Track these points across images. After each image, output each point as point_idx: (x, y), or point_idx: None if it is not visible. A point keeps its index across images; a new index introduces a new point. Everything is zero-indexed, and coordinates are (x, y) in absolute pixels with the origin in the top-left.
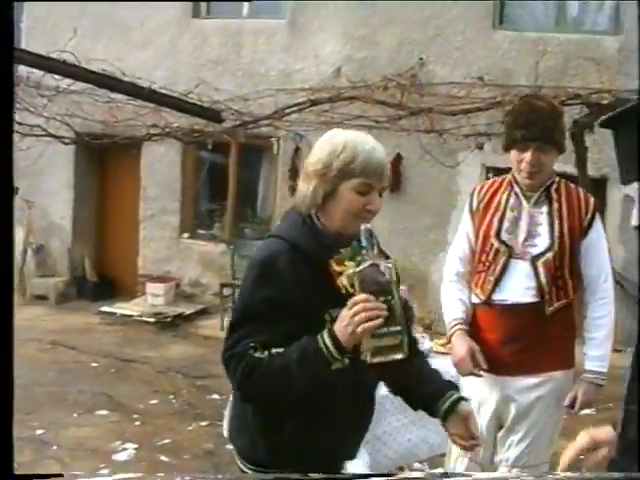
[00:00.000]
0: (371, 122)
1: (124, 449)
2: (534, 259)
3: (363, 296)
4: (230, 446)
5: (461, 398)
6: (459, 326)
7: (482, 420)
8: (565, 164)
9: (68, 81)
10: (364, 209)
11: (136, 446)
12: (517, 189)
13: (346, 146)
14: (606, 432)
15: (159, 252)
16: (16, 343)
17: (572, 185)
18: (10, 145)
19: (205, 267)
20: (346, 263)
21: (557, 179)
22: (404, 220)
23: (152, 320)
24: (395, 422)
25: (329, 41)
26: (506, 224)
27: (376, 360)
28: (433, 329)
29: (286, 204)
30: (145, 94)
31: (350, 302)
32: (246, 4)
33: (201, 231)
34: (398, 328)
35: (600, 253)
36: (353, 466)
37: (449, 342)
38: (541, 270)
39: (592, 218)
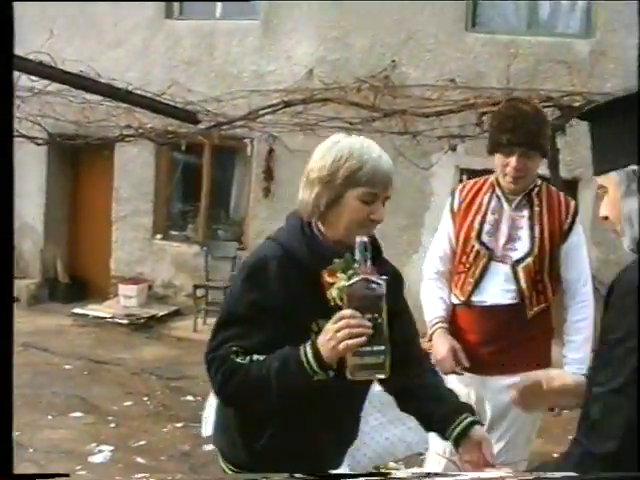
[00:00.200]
0: (345, 124)
1: (100, 451)
2: (514, 264)
3: (349, 311)
4: (207, 447)
5: (475, 422)
6: (440, 324)
7: None
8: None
9: (44, 82)
10: (368, 218)
11: (112, 448)
12: (499, 192)
13: (352, 153)
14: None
15: (132, 253)
16: None
17: (553, 188)
18: (10, 149)
19: (178, 268)
20: (338, 275)
21: (539, 182)
22: None
23: (125, 322)
24: (373, 421)
25: (302, 42)
26: (487, 227)
27: (357, 377)
28: None
29: (259, 205)
30: (121, 95)
31: (335, 316)
32: (219, 5)
33: (174, 232)
34: (382, 348)
35: (580, 257)
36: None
37: (430, 340)
38: (521, 275)
39: (572, 222)
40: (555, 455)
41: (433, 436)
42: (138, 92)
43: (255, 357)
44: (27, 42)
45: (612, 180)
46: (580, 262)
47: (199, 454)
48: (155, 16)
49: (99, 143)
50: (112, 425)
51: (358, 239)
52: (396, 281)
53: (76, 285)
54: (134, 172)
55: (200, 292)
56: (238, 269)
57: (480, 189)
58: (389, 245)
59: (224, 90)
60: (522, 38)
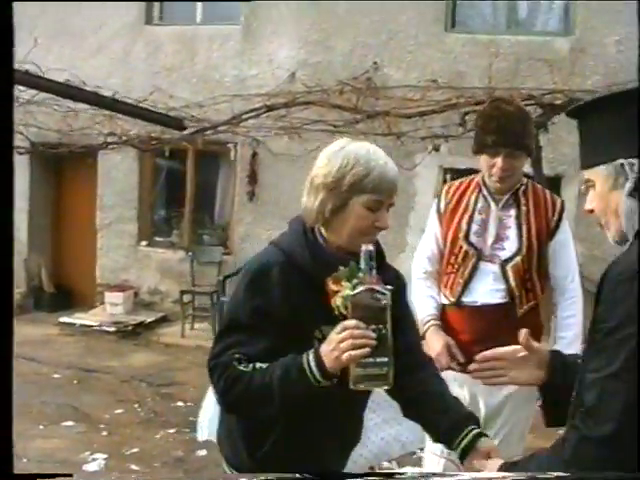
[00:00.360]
0: (328, 126)
1: (94, 459)
2: (503, 263)
3: (353, 322)
4: (201, 452)
5: (482, 434)
6: (433, 322)
7: None
8: None
9: (32, 92)
10: (372, 225)
11: (105, 456)
12: (485, 192)
13: (359, 160)
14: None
15: (117, 261)
16: None
17: (539, 186)
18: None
19: (164, 274)
20: (342, 283)
21: (525, 181)
22: None
23: (112, 329)
24: (368, 421)
25: (283, 46)
26: (475, 227)
27: (359, 388)
28: None
29: (244, 210)
30: (108, 103)
31: (339, 326)
32: (199, 10)
33: (159, 239)
34: (385, 359)
35: (567, 253)
36: None
37: (423, 338)
38: (510, 274)
39: (559, 219)
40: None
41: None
42: (122, 99)
43: (258, 365)
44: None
45: (600, 174)
46: (568, 259)
47: (193, 459)
48: (135, 22)
49: (82, 151)
50: (104, 433)
51: (364, 247)
52: (399, 285)
53: (61, 294)
54: (118, 179)
55: (187, 298)
56: (241, 275)
57: (466, 190)
58: None
59: (206, 95)
60: (502, 37)
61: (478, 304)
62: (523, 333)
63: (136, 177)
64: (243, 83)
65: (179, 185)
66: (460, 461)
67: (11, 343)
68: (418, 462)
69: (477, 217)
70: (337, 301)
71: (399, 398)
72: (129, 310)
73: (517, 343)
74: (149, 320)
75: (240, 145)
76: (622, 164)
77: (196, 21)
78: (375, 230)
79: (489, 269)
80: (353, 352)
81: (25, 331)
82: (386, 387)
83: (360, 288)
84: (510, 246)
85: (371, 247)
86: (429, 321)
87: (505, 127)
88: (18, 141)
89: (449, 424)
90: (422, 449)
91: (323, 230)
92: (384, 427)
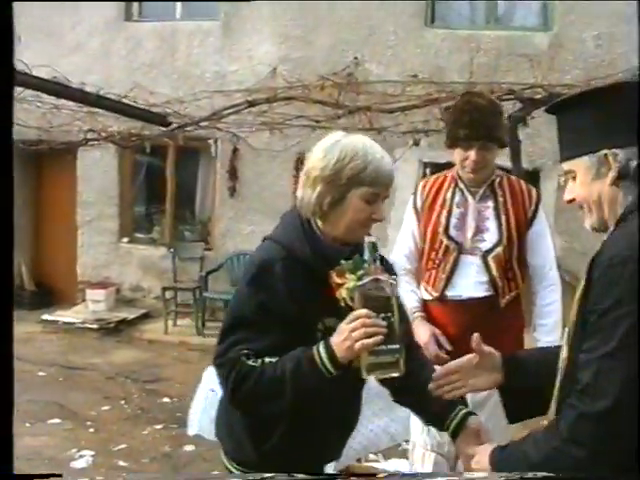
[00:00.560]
0: (310, 122)
1: (81, 456)
2: (485, 255)
3: (364, 311)
4: (188, 448)
5: (470, 413)
6: (418, 313)
7: None
8: (500, 157)
9: (18, 90)
10: (369, 218)
11: (93, 453)
12: (462, 185)
13: (357, 153)
14: None
15: (98, 258)
16: None
17: (514, 178)
18: (10, 160)
19: (145, 271)
20: (347, 276)
21: (500, 173)
22: None
23: (95, 326)
24: None
25: (263, 42)
26: (453, 220)
27: (372, 376)
28: None
29: (225, 205)
30: (92, 100)
31: (350, 316)
32: (179, 6)
33: (140, 235)
34: (396, 346)
35: (544, 242)
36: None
37: None
38: (492, 265)
39: (536, 209)
40: None
41: (417, 431)
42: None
43: (267, 360)
44: None
45: (582, 165)
46: (545, 247)
47: (180, 454)
48: (114, 18)
49: (62, 148)
50: (91, 430)
51: (367, 239)
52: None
53: (42, 291)
54: (97, 176)
55: (169, 294)
56: (243, 272)
57: (442, 185)
58: None
59: (187, 91)
60: (482, 32)
61: (463, 298)
62: (475, 337)
63: (116, 174)
64: (224, 79)
65: (160, 181)
66: (452, 439)
67: (11, 343)
68: (404, 454)
69: (455, 211)
70: (343, 293)
71: (389, 384)
72: (111, 307)
73: (501, 334)
74: (131, 317)
75: (221, 141)
76: (605, 154)
77: (176, 17)
78: (371, 222)
79: (471, 261)
80: (365, 341)
81: None
82: (398, 374)
83: (366, 279)
84: (490, 237)
85: (374, 239)
86: (414, 313)
87: (477, 120)
88: None
89: (439, 406)
90: (407, 441)
91: (319, 222)
92: (373, 419)
